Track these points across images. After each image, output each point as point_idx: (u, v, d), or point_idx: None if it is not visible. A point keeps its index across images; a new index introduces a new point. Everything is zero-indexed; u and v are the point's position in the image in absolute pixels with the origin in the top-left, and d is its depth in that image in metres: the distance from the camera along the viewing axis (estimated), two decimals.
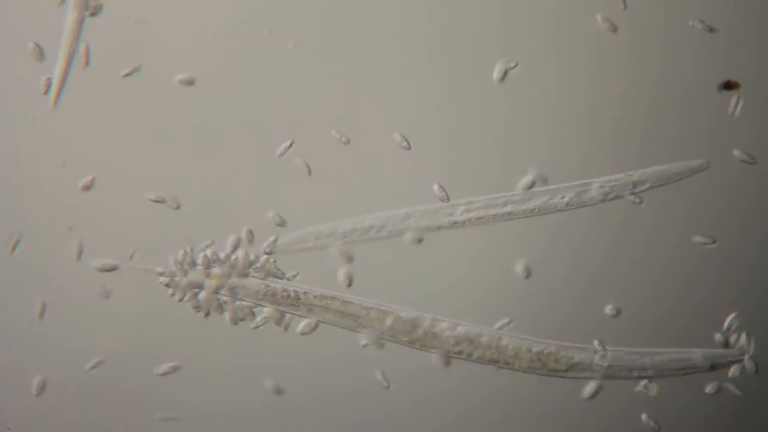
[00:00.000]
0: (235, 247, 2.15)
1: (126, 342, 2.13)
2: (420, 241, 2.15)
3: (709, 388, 2.16)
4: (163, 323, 2.13)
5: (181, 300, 2.13)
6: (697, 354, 2.16)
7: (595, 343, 2.16)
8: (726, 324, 2.15)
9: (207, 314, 2.14)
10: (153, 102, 2.15)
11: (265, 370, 2.16)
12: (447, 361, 2.17)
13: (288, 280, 2.16)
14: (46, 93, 2.12)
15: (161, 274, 2.12)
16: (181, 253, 2.13)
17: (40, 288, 2.13)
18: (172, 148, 2.15)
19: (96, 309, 2.13)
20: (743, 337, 2.15)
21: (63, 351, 2.14)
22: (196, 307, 2.13)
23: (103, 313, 2.13)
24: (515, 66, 2.15)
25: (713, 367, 2.16)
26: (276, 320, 2.15)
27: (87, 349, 2.14)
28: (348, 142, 2.15)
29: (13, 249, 2.12)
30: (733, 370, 2.15)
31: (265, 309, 2.15)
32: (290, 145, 2.14)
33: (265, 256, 2.16)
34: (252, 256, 2.15)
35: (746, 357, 2.16)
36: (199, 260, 2.14)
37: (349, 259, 2.17)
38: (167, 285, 2.13)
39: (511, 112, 2.16)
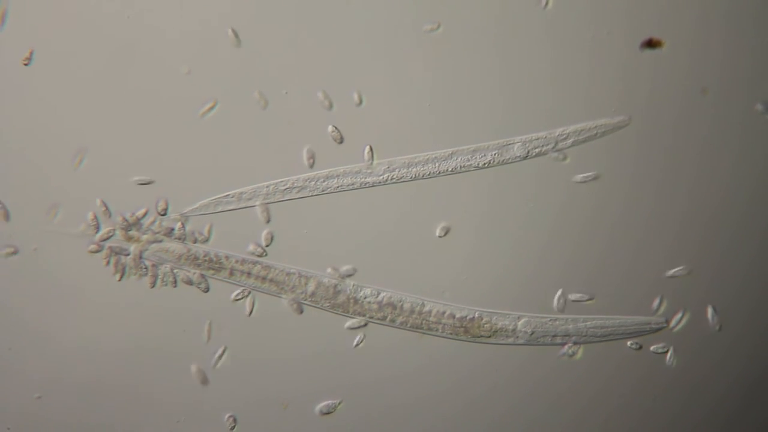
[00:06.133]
0: (158, 210, 2.12)
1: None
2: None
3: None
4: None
5: (107, 263, 2.10)
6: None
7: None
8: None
9: (122, 278, 2.11)
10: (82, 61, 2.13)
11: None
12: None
13: (207, 242, 2.13)
14: None
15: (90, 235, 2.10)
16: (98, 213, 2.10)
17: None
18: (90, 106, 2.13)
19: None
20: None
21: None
22: (118, 271, 2.10)
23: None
24: (438, 27, 2.11)
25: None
26: (198, 284, 2.11)
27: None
28: (266, 105, 2.11)
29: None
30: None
31: (189, 273, 2.12)
32: (213, 106, 2.11)
33: (183, 218, 2.13)
34: (176, 220, 2.12)
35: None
36: (121, 222, 2.11)
37: (270, 219, 2.13)
38: (94, 250, 2.10)
39: (434, 71, 2.13)
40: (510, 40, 2.12)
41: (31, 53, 2.07)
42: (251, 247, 2.12)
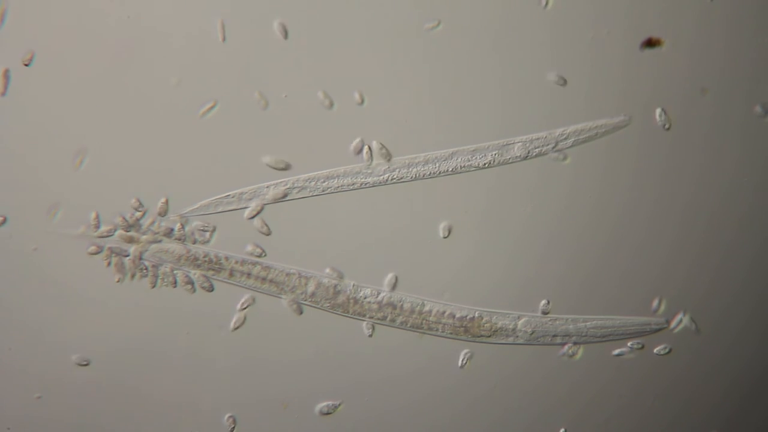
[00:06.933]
0: (159, 211, 2.11)
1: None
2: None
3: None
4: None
5: (108, 264, 2.09)
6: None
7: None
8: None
9: (122, 279, 2.11)
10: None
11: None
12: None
13: (207, 242, 2.13)
14: None
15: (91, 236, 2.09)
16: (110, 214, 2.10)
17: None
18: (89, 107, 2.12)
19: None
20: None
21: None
22: (119, 272, 2.10)
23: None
24: (438, 25, 2.12)
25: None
26: (200, 284, 2.11)
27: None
28: (266, 105, 2.11)
29: None
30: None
31: (190, 273, 2.12)
32: (213, 106, 2.11)
33: (182, 219, 2.13)
34: (175, 220, 2.12)
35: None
36: (121, 223, 2.11)
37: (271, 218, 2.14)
38: (95, 251, 2.10)
39: (434, 70, 2.13)
40: (510, 39, 2.12)
41: (32, 55, 2.07)
42: (250, 248, 2.13)
